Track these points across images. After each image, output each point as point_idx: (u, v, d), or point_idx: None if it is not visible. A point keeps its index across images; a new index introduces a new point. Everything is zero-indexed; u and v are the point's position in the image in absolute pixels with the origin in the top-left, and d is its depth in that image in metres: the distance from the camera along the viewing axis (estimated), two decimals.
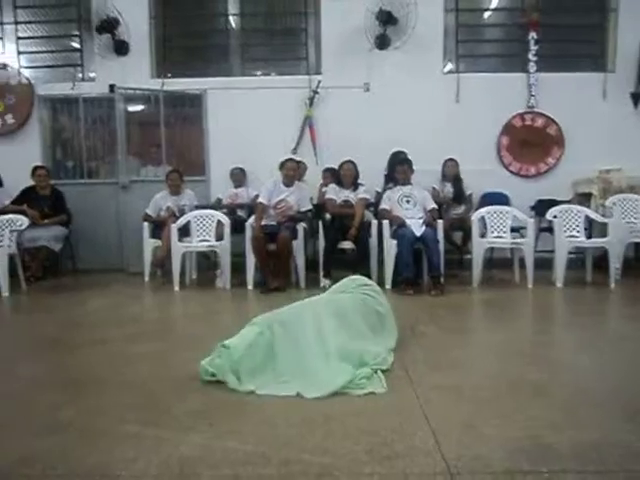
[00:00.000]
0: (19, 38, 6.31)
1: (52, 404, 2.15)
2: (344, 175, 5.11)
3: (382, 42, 5.97)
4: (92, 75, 6.31)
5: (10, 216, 5.13)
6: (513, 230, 5.08)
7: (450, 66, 6.36)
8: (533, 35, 6.11)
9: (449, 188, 5.58)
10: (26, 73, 6.24)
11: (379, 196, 5.33)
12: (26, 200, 5.55)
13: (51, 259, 5.60)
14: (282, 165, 5.04)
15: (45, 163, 6.05)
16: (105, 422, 1.96)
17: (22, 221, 5.08)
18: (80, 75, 6.34)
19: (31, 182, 5.69)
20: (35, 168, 5.69)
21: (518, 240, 4.93)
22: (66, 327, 3.65)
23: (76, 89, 6.19)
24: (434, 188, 5.48)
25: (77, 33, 6.36)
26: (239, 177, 5.93)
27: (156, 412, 2.05)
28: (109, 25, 5.93)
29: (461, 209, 5.51)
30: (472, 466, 1.57)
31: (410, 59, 6.04)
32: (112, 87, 5.94)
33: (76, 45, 6.41)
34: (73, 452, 1.72)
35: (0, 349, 3.27)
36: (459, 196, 5.53)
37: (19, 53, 6.31)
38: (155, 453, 1.69)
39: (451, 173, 5.62)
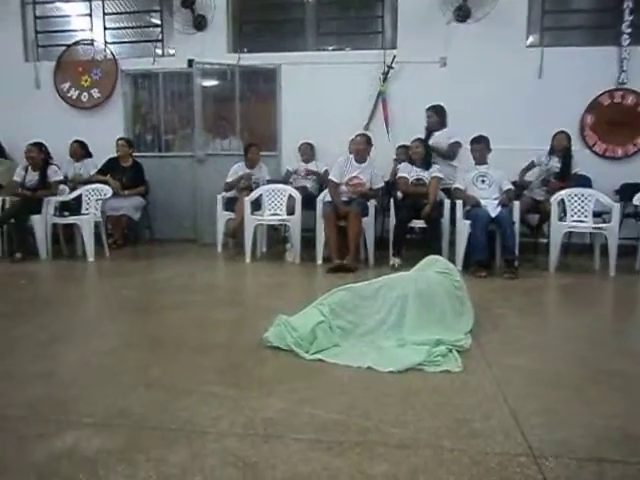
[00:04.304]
0: (105, 14, 6.57)
1: (141, 362, 2.30)
2: (413, 153, 5.00)
3: (461, 14, 5.74)
4: (171, 51, 6.48)
5: (96, 185, 5.46)
6: (595, 215, 4.81)
7: (532, 39, 6.03)
8: (629, 3, 5.65)
9: (555, 163, 5.14)
10: (111, 49, 6.51)
11: None
12: (109, 170, 5.85)
13: (131, 228, 5.92)
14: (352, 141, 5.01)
15: (127, 136, 6.33)
16: (189, 382, 2.07)
17: (106, 191, 5.37)
18: (160, 51, 6.54)
19: (114, 153, 5.98)
20: (118, 140, 5.98)
21: (601, 225, 4.66)
22: (147, 292, 3.87)
23: (156, 64, 6.40)
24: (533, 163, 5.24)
25: (158, 9, 6.54)
26: (307, 152, 5.94)
27: (235, 375, 2.14)
28: None
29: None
30: (556, 450, 1.54)
31: (490, 32, 5.74)
32: (190, 62, 6.08)
33: (156, 21, 6.60)
34: (163, 407, 1.83)
35: (91, 310, 3.54)
36: (564, 173, 5.05)
37: (105, 29, 6.58)
38: (238, 413, 1.77)
39: (560, 146, 5.12)
